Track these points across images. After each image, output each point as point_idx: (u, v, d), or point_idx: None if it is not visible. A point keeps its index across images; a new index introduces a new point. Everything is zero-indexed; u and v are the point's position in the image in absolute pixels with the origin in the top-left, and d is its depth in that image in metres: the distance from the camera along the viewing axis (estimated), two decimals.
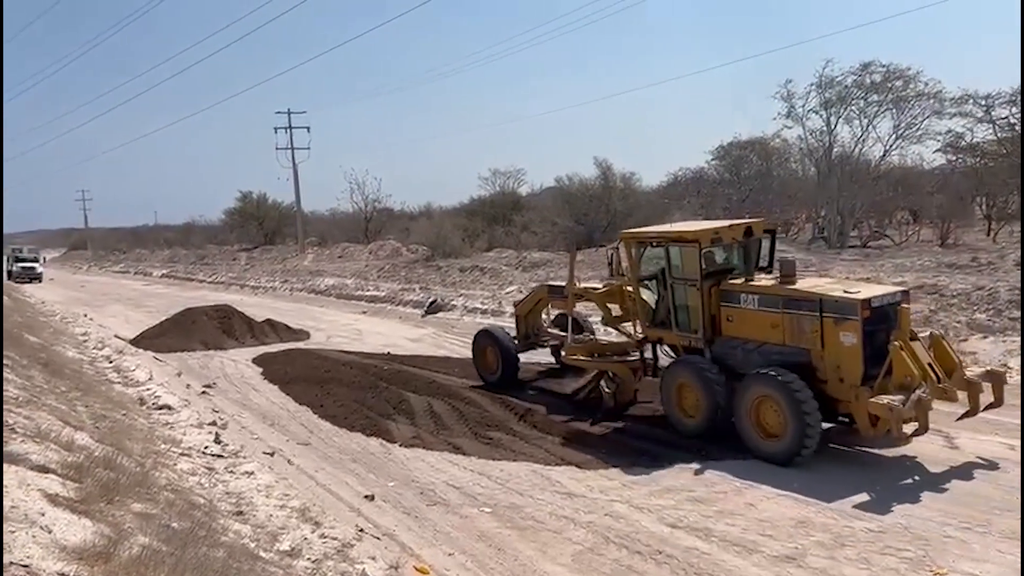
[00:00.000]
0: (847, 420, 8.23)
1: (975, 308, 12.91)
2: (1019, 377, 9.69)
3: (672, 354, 9.92)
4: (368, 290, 26.66)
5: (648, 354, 10.32)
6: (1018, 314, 12.02)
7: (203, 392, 12.39)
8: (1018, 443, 8.04)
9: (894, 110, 30.73)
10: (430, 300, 21.62)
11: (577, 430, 9.38)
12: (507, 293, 21.00)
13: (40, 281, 45.36)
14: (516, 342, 12.33)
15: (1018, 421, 8.57)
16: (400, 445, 9.21)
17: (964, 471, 7.55)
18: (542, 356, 12.96)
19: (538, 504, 7.20)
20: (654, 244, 9.77)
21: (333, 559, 5.48)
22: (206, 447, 8.24)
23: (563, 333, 11.76)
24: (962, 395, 7.97)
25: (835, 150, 32.04)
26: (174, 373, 13.88)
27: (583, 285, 11.56)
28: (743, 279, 9.15)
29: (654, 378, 10.08)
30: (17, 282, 42.66)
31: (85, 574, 3.43)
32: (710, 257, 9.22)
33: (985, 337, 11.04)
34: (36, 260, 48.96)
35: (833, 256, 24.48)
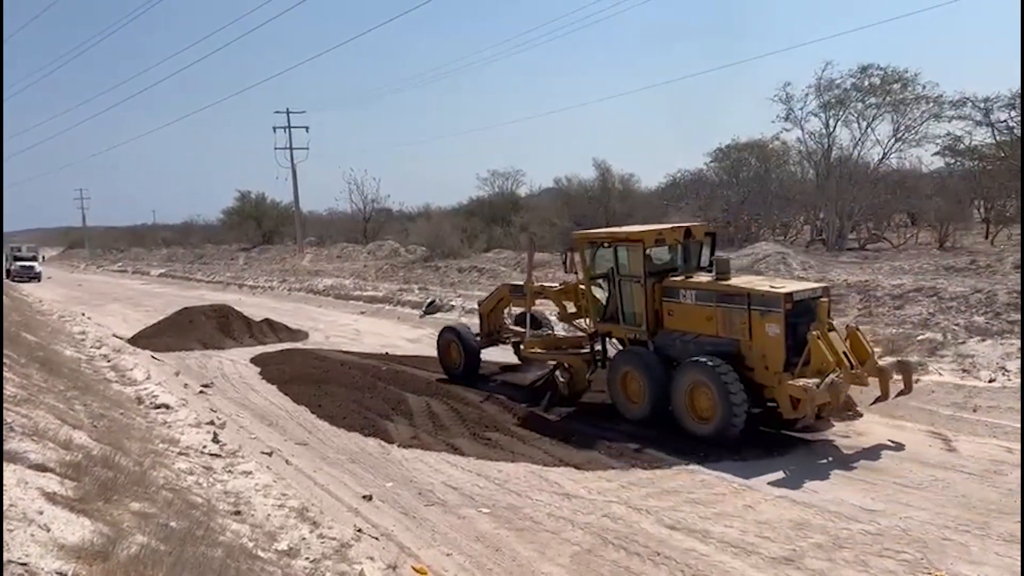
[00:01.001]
0: (774, 404, 8.83)
1: (973, 311, 12.93)
2: (1019, 378, 9.71)
3: (620, 347, 10.59)
4: (367, 290, 26.63)
5: (600, 347, 10.90)
6: (1017, 317, 12.04)
7: (201, 391, 12.38)
8: (1016, 446, 8.06)
9: (893, 113, 30.80)
10: (428, 300, 21.60)
11: (576, 431, 9.38)
12: None
13: (39, 280, 44.91)
14: (479, 338, 12.97)
15: (1017, 424, 8.60)
16: (398, 445, 9.21)
17: (962, 474, 7.55)
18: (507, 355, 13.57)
19: (536, 505, 7.20)
20: (604, 245, 10.49)
21: (331, 559, 5.47)
22: (204, 446, 8.23)
23: (523, 330, 12.45)
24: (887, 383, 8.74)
25: (834, 153, 32.10)
26: (172, 372, 13.86)
27: (540, 284, 12.36)
28: (683, 277, 9.88)
29: (604, 369, 10.64)
30: (16, 281, 42.21)
31: (83, 573, 3.42)
32: (653, 257, 9.96)
33: (983, 340, 11.04)
34: (35, 259, 48.60)
35: (831, 259, 24.51)
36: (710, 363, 8.70)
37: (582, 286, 11.09)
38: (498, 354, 13.60)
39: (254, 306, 24.30)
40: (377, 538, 6.49)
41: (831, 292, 9.12)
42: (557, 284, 12.34)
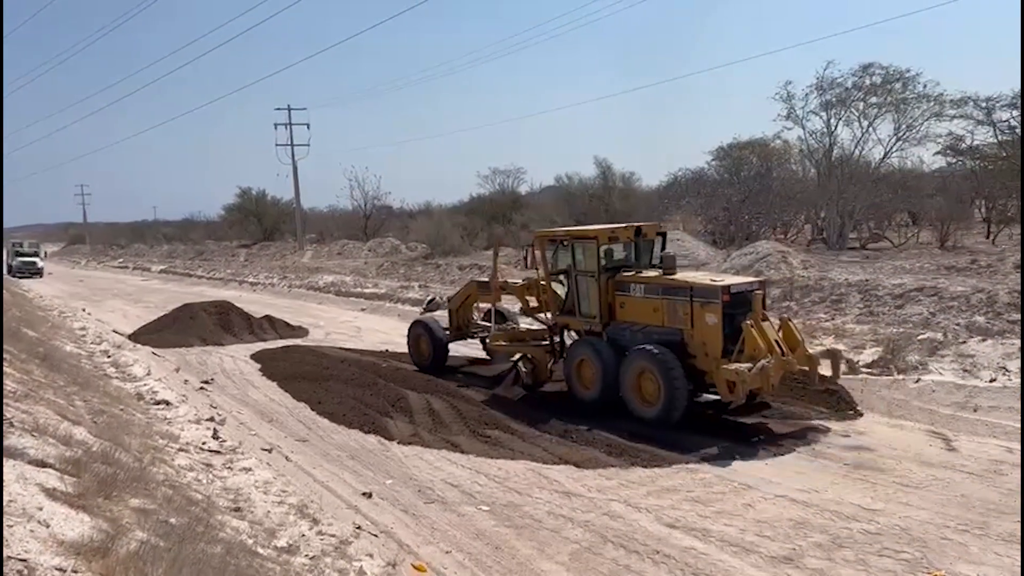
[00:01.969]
0: (715, 389, 9.48)
1: (974, 311, 12.91)
2: (1019, 378, 9.70)
3: (577, 338, 11.28)
4: (367, 287, 26.63)
5: (559, 339, 11.62)
6: (1017, 317, 12.02)
7: (201, 388, 12.38)
8: (1017, 446, 8.05)
9: (894, 112, 30.71)
10: (429, 298, 21.51)
11: (575, 430, 9.38)
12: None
13: (41, 276, 44.74)
14: (448, 333, 13.61)
15: (1017, 424, 8.60)
16: (398, 443, 9.21)
17: (962, 474, 7.55)
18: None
19: (536, 503, 7.20)
20: (562, 243, 11.22)
21: (331, 556, 5.47)
22: (204, 443, 8.22)
23: (490, 324, 13.24)
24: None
25: (835, 152, 32.02)
26: (172, 369, 13.87)
27: (504, 280, 13.13)
28: (634, 272, 10.57)
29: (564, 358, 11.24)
30: (18, 277, 42.00)
31: (83, 569, 3.42)
32: (607, 253, 10.70)
33: (984, 340, 11.04)
34: (37, 255, 48.48)
35: (832, 257, 24.49)
36: (655, 351, 9.40)
37: (543, 282, 11.63)
38: (467, 348, 14.20)
39: (254, 303, 24.30)
40: (376, 535, 6.49)
41: (766, 285, 10.16)
42: (521, 280, 12.93)
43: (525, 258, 11.84)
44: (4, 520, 3.58)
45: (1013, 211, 28.60)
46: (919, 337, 11.56)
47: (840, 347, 10.81)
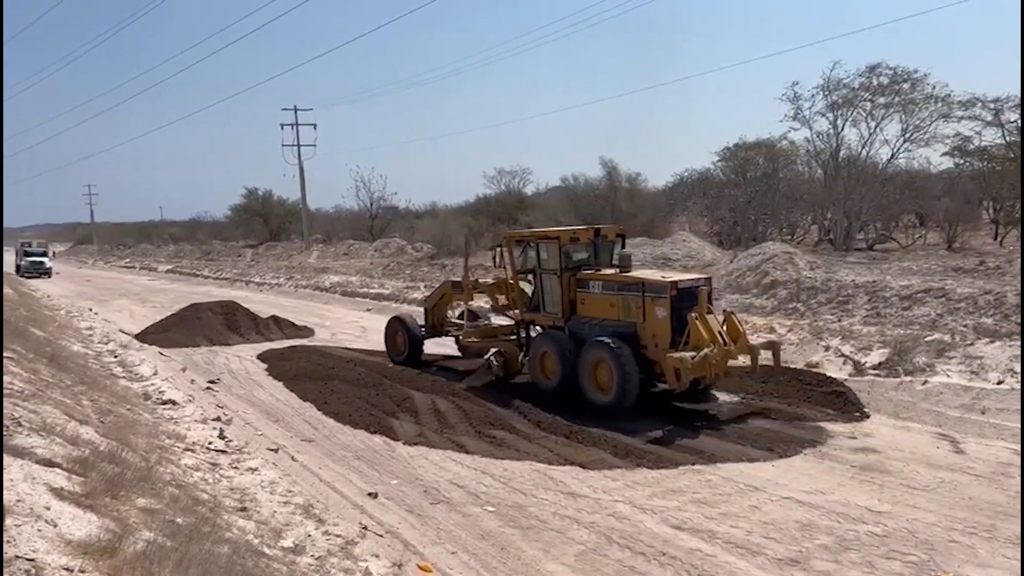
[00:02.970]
0: (664, 380, 10.10)
1: (982, 313, 12.86)
2: (1019, 379, 9.66)
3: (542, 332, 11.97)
4: (373, 288, 26.67)
5: (527, 334, 12.30)
6: None
7: (207, 388, 12.41)
8: None
9: (901, 113, 30.60)
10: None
11: (580, 430, 9.36)
12: None
13: (49, 276, 44.66)
14: (423, 329, 14.22)
15: None
16: (404, 443, 9.21)
17: (970, 475, 7.52)
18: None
19: (541, 504, 7.19)
20: (529, 244, 11.98)
21: (337, 556, 5.47)
22: (210, 443, 8.23)
23: (463, 322, 13.86)
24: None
25: (842, 152, 31.93)
26: (179, 368, 13.90)
27: (476, 279, 13.96)
28: (593, 270, 11.24)
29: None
30: (26, 277, 41.94)
31: (90, 568, 3.43)
32: (569, 253, 11.36)
33: (992, 342, 10.98)
34: (45, 254, 48.54)
35: (839, 259, 24.42)
36: (609, 342, 10.09)
37: (511, 281, 12.34)
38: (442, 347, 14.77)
39: (260, 303, 24.36)
40: (382, 535, 6.49)
41: (711, 282, 10.90)
42: (491, 279, 13.74)
43: (494, 258, 12.58)
44: (13, 519, 3.59)
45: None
46: (926, 339, 11.51)
47: (777, 339, 11.85)
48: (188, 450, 7.63)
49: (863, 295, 15.34)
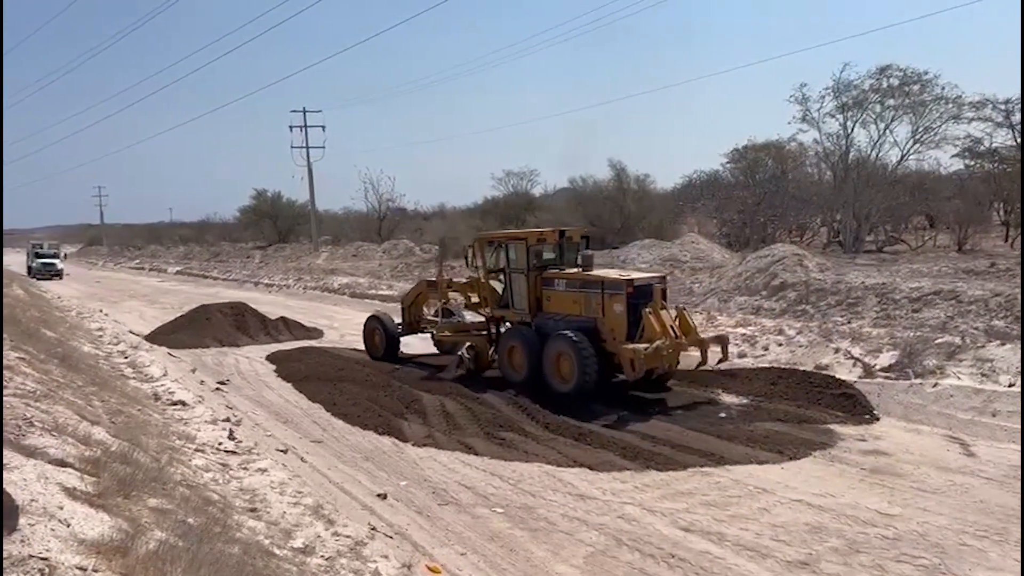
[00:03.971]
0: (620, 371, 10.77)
1: (993, 315, 12.79)
2: (1019, 379, 9.60)
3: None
4: (381, 289, 26.73)
5: (497, 330, 12.97)
6: None
7: (217, 389, 12.46)
8: None
9: (911, 114, 30.48)
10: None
11: (590, 432, 9.36)
12: None
13: (60, 278, 44.76)
14: (400, 327, 14.97)
15: None
16: (412, 444, 9.23)
17: (981, 479, 7.48)
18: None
19: (550, 505, 7.19)
20: (500, 244, 12.66)
21: (346, 557, 5.48)
22: (220, 443, 8.26)
23: (438, 319, 14.61)
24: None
25: (851, 154, 31.82)
26: (188, 369, 13.96)
27: (450, 279, 14.81)
28: (558, 270, 12.00)
29: None
30: (38, 279, 42.08)
31: (103, 568, 3.45)
32: (536, 253, 12.12)
33: (1003, 344, 10.91)
34: (56, 256, 48.76)
35: (848, 260, 24.33)
36: (571, 335, 10.75)
37: (483, 279, 12.93)
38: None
39: (269, 304, 24.44)
40: (391, 536, 6.51)
41: (666, 280, 11.79)
42: (465, 279, 14.35)
43: (466, 258, 13.30)
44: (26, 519, 3.63)
45: None
46: (937, 341, 11.45)
47: (726, 332, 12.61)
48: (198, 451, 7.67)
49: (873, 297, 15.28)
